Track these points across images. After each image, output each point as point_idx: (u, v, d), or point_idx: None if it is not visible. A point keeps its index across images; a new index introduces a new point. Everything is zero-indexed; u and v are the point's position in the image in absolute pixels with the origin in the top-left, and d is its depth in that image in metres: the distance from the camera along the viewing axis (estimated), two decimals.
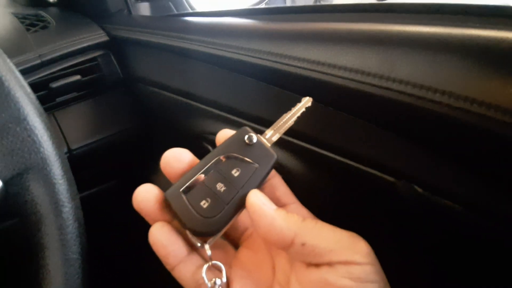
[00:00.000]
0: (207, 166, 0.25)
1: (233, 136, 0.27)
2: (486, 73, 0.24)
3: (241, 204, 0.25)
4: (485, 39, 0.25)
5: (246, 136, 0.27)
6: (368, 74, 0.28)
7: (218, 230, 0.25)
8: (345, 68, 0.29)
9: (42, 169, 0.24)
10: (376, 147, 0.32)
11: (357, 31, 0.31)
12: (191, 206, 0.24)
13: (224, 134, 0.28)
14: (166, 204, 0.25)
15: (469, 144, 0.26)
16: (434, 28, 0.28)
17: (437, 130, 0.27)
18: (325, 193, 0.38)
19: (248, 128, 0.27)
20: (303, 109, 0.29)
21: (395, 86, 0.27)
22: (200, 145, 0.51)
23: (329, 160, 0.35)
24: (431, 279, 0.34)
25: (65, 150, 0.49)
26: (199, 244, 0.25)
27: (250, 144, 0.27)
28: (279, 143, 0.39)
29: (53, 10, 0.62)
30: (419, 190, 0.30)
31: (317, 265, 0.23)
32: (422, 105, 0.26)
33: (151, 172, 0.59)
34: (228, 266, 0.27)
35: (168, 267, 0.26)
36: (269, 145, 0.27)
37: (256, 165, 0.26)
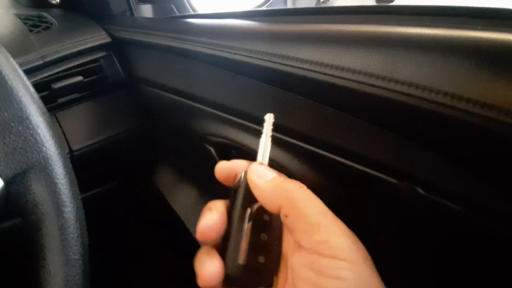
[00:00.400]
0: (246, 225, 0.26)
1: (242, 188, 0.27)
2: (489, 75, 0.24)
3: (281, 241, 0.26)
4: (488, 41, 0.25)
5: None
6: (371, 75, 0.28)
7: (277, 269, 0.26)
8: (348, 70, 0.29)
9: (44, 168, 0.24)
10: (378, 149, 0.31)
11: (360, 32, 0.31)
12: (253, 268, 0.25)
13: (221, 168, 0.29)
14: (232, 282, 0.25)
15: (471, 146, 0.26)
16: (436, 30, 0.28)
17: (440, 131, 0.27)
18: (326, 194, 0.38)
19: (240, 174, 0.28)
20: (272, 126, 0.30)
21: (398, 87, 0.27)
22: (201, 146, 0.51)
23: (331, 161, 0.35)
24: (433, 280, 0.34)
25: (67, 151, 0.49)
26: None
27: None
28: (281, 144, 0.39)
29: (56, 11, 0.62)
30: (421, 191, 0.30)
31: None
32: (425, 106, 0.26)
33: (152, 173, 0.59)
34: None
35: None
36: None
37: None
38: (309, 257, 0.22)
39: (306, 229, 0.23)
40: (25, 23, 0.53)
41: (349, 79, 0.29)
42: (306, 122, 0.36)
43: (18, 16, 0.56)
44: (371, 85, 0.28)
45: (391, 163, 0.31)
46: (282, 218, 0.24)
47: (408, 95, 0.26)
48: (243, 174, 0.27)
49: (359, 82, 0.29)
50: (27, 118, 0.23)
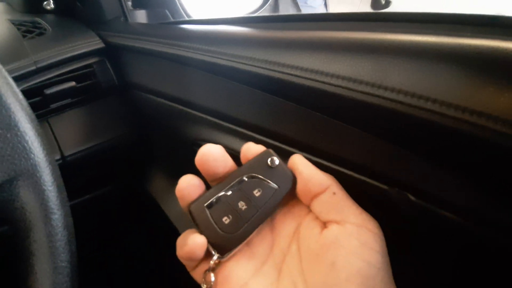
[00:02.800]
0: (231, 184, 0.27)
1: (257, 157, 0.29)
2: (478, 82, 0.24)
3: (260, 222, 0.27)
4: (478, 48, 0.25)
5: (269, 159, 0.28)
6: (361, 82, 0.28)
7: (235, 246, 0.27)
8: (338, 76, 0.30)
9: (32, 175, 0.24)
10: (369, 155, 0.32)
11: (350, 39, 0.31)
12: (213, 221, 0.26)
13: (248, 148, 0.30)
14: (191, 216, 0.27)
15: (460, 152, 0.26)
16: (426, 37, 0.28)
17: (429, 138, 0.27)
18: None
19: (271, 151, 0.29)
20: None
21: (387, 94, 0.27)
22: (193, 152, 0.51)
23: (321, 167, 0.35)
24: (425, 285, 0.34)
25: (59, 156, 0.49)
26: (215, 256, 0.26)
27: (272, 167, 0.28)
28: (267, 146, 0.39)
29: (50, 17, 0.62)
30: (412, 198, 0.30)
31: (327, 224, 0.26)
32: (414, 113, 0.26)
33: (145, 178, 0.59)
34: None
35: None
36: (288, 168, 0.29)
37: (276, 186, 0.28)
38: (357, 229, 0.25)
39: (354, 207, 0.27)
40: (18, 29, 0.53)
41: (338, 86, 0.29)
42: (297, 128, 0.36)
43: (12, 21, 0.56)
44: (361, 92, 0.28)
45: (382, 169, 0.31)
46: (328, 195, 0.27)
47: (397, 102, 0.27)
48: (277, 159, 0.29)
49: (348, 88, 0.29)
50: (15, 125, 0.23)
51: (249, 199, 0.27)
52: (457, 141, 0.25)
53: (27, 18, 0.59)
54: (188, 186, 0.27)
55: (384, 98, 0.27)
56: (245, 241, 0.27)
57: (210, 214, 0.26)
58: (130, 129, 0.56)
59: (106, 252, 0.62)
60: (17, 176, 0.23)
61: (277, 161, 0.29)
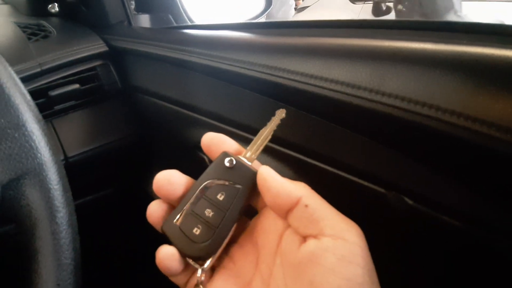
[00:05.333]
0: (195, 194, 0.27)
1: (215, 161, 0.28)
2: (473, 88, 0.25)
3: (230, 225, 0.27)
4: (473, 55, 0.26)
5: (226, 160, 0.28)
6: (359, 87, 0.29)
7: (213, 253, 0.27)
8: (337, 82, 0.30)
9: (38, 174, 0.24)
10: (367, 159, 0.32)
11: (349, 46, 0.32)
12: (185, 234, 0.27)
13: (208, 138, 0.29)
14: (165, 236, 0.27)
15: (456, 156, 0.27)
16: (423, 44, 0.29)
17: (425, 143, 0.28)
18: None
19: (227, 152, 0.28)
20: (279, 122, 0.30)
21: (384, 99, 0.28)
22: (195, 155, 0.51)
23: (320, 171, 0.35)
24: (422, 285, 0.35)
25: (62, 157, 0.49)
26: (199, 270, 0.27)
27: (231, 167, 0.28)
28: (272, 154, 0.40)
29: (55, 20, 0.63)
30: (409, 201, 0.31)
31: (305, 238, 0.24)
32: (410, 118, 0.27)
33: (146, 180, 0.60)
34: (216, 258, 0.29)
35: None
36: (250, 163, 0.28)
37: (239, 186, 0.28)
38: (333, 243, 0.23)
39: (331, 216, 0.25)
40: (24, 31, 0.54)
41: (337, 91, 0.30)
42: (297, 132, 0.37)
43: (18, 24, 0.57)
44: (359, 97, 0.29)
45: (379, 173, 0.32)
46: (300, 208, 0.25)
47: (394, 107, 0.27)
48: (234, 159, 0.28)
49: (347, 94, 0.29)
50: (23, 125, 0.24)
51: (214, 204, 0.27)
52: (453, 146, 0.26)
53: (32, 21, 0.60)
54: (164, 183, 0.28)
55: (381, 103, 0.28)
56: (223, 245, 0.27)
57: (181, 229, 0.27)
58: (132, 131, 0.57)
59: (107, 253, 0.63)
60: (24, 174, 0.24)
61: (234, 161, 0.28)
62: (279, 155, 0.39)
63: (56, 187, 0.25)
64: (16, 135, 0.24)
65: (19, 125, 0.24)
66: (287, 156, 0.38)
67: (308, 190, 0.26)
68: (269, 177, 0.26)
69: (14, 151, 0.24)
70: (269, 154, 0.40)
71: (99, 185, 0.59)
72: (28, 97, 0.26)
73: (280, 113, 0.31)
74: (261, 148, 0.29)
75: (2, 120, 0.24)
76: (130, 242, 0.63)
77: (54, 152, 0.26)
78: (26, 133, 0.24)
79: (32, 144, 0.24)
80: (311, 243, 0.24)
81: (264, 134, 0.30)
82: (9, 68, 0.26)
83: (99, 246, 0.54)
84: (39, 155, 0.24)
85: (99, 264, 0.60)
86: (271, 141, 0.39)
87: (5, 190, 0.24)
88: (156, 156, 0.63)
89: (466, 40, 0.30)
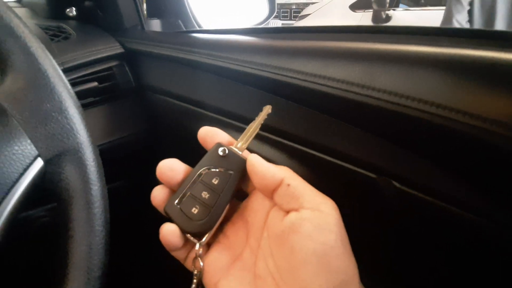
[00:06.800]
0: (193, 179, 0.31)
1: (209, 151, 0.33)
2: (449, 83, 0.29)
3: (224, 205, 0.31)
4: (449, 55, 0.30)
5: (220, 150, 0.32)
6: (352, 83, 0.33)
7: (209, 228, 0.31)
8: (333, 79, 0.34)
9: (77, 152, 0.28)
10: (359, 147, 0.36)
11: (344, 48, 0.36)
12: (185, 214, 0.30)
13: (204, 131, 0.34)
14: (167, 215, 0.31)
15: (437, 143, 0.30)
16: (407, 46, 0.33)
17: (411, 131, 0.31)
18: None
19: (221, 143, 0.33)
20: (266, 116, 0.35)
21: (374, 94, 0.31)
22: (203, 150, 0.55)
23: (317, 159, 0.39)
24: (412, 270, 0.38)
25: None
26: (197, 244, 0.31)
27: (224, 156, 0.32)
28: (270, 142, 0.44)
29: (72, 23, 0.67)
30: (397, 184, 0.35)
31: (288, 212, 0.28)
32: (396, 109, 0.30)
33: (155, 175, 0.63)
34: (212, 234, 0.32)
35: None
36: (240, 152, 0.32)
37: (231, 171, 0.32)
38: (311, 214, 0.27)
39: (309, 193, 0.28)
40: (46, 33, 0.59)
41: (333, 87, 0.34)
42: (296, 125, 0.41)
43: (39, 26, 0.61)
44: (352, 92, 0.33)
45: (370, 160, 0.36)
46: (283, 187, 0.29)
47: (383, 100, 0.31)
48: (227, 149, 0.32)
49: (342, 89, 0.33)
50: (66, 110, 0.28)
51: (209, 188, 0.31)
52: (434, 133, 0.29)
53: (52, 23, 0.65)
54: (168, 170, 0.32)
55: (372, 97, 0.32)
56: (218, 223, 0.31)
57: (181, 209, 0.30)
58: (145, 127, 0.61)
59: (114, 246, 0.66)
60: (65, 152, 0.28)
61: (227, 150, 0.32)
62: (280, 145, 0.42)
63: (91, 164, 0.29)
64: (59, 118, 0.28)
65: (62, 110, 0.28)
66: (287, 146, 0.42)
67: (290, 172, 0.30)
68: (257, 163, 0.30)
69: (57, 131, 0.28)
70: (272, 144, 0.44)
71: (111, 177, 0.63)
72: (69, 86, 0.30)
73: (267, 109, 0.35)
74: (250, 139, 0.34)
75: (48, 105, 0.28)
76: (140, 234, 0.66)
77: (90, 135, 0.30)
78: (68, 116, 0.28)
79: (73, 126, 0.28)
80: (292, 215, 0.28)
81: (253, 127, 0.34)
82: (52, 59, 0.30)
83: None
84: (78, 135, 0.28)
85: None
86: (274, 133, 0.43)
87: (48, 165, 0.28)
88: (167, 150, 0.66)
89: (447, 42, 0.34)
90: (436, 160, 0.32)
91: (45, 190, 0.29)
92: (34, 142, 0.27)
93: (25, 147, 0.27)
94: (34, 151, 0.27)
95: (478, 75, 0.28)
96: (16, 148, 0.27)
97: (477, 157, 0.28)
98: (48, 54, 0.30)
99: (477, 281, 0.33)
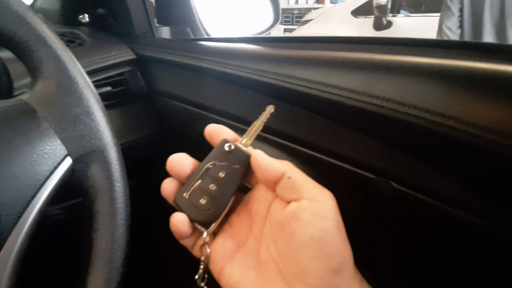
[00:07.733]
0: (201, 173, 0.33)
1: (216, 147, 0.35)
2: (441, 91, 0.31)
3: (229, 196, 0.33)
4: (443, 66, 0.33)
5: (226, 146, 0.34)
6: (353, 91, 0.35)
7: (216, 218, 0.33)
8: (336, 86, 0.37)
9: (102, 152, 0.31)
10: (359, 149, 0.38)
11: (346, 58, 0.39)
12: (193, 204, 0.32)
13: (211, 128, 0.36)
14: (176, 205, 0.33)
15: (431, 146, 0.33)
16: (405, 57, 0.35)
17: (407, 135, 0.34)
18: None
19: (227, 139, 0.35)
20: (269, 115, 0.37)
21: (374, 100, 0.34)
22: (210, 150, 0.57)
23: (319, 161, 0.41)
24: (410, 269, 0.40)
25: None
26: (205, 232, 0.33)
27: (230, 151, 0.34)
28: (272, 144, 0.46)
29: (85, 29, 0.70)
30: (395, 185, 0.37)
31: (289, 202, 0.30)
32: (393, 115, 0.33)
33: (164, 177, 0.66)
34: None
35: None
36: (245, 148, 0.34)
37: (236, 166, 0.34)
38: (310, 203, 0.29)
39: (308, 184, 0.30)
40: (61, 39, 0.61)
41: (336, 94, 0.37)
42: (300, 128, 0.43)
43: (55, 32, 0.64)
44: (353, 99, 0.35)
45: (370, 161, 0.38)
46: (285, 180, 0.31)
47: (381, 106, 0.34)
48: (232, 145, 0.34)
49: (344, 96, 0.36)
50: (93, 113, 0.31)
51: (216, 180, 0.33)
52: (428, 137, 0.32)
53: (66, 29, 0.67)
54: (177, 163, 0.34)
55: (371, 104, 0.34)
56: (224, 213, 0.33)
57: (190, 199, 0.32)
58: (155, 130, 0.63)
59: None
60: (92, 151, 0.31)
61: (232, 146, 0.34)
62: (284, 147, 0.45)
63: (116, 163, 0.32)
64: (87, 120, 0.31)
65: (89, 113, 0.31)
66: (291, 149, 0.44)
67: (291, 165, 0.32)
68: (260, 158, 0.32)
69: (85, 133, 0.31)
70: (276, 146, 0.46)
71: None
72: (95, 91, 0.33)
73: (270, 108, 0.37)
74: (254, 136, 0.36)
75: (77, 109, 0.31)
76: (150, 233, 0.68)
77: (114, 136, 0.32)
78: (95, 119, 0.31)
79: (100, 128, 0.31)
80: (292, 205, 0.30)
81: (257, 125, 0.36)
82: (81, 68, 0.33)
83: None
84: (104, 137, 0.31)
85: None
86: (279, 136, 0.46)
87: (76, 164, 0.31)
88: (173, 151, 0.69)
89: (442, 53, 0.37)
90: (431, 163, 0.34)
91: (72, 186, 0.32)
92: (64, 143, 0.30)
93: (56, 147, 0.30)
94: (64, 151, 0.30)
95: (469, 84, 0.30)
96: (48, 148, 0.30)
97: (469, 160, 0.31)
98: (77, 62, 0.33)
99: (472, 280, 0.35)
